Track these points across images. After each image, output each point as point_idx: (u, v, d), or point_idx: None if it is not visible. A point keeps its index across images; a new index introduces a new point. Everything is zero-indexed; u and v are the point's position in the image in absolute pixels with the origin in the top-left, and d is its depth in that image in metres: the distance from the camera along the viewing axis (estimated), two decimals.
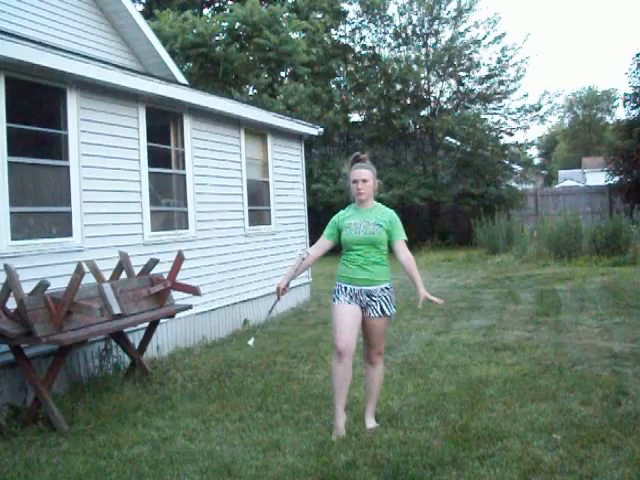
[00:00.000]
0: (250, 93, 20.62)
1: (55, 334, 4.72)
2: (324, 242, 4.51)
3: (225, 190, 8.48)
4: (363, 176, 4.40)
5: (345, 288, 4.36)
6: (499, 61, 22.90)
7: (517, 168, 24.28)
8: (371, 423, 4.45)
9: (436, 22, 23.06)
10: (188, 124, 7.73)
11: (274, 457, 3.94)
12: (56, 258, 5.63)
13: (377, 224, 4.36)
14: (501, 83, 23.14)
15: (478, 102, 23.45)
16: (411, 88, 23.17)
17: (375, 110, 23.75)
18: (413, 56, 23.00)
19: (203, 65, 18.96)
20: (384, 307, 4.34)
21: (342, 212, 4.56)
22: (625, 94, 24.71)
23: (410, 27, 23.28)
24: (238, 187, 8.82)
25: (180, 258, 6.24)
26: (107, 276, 5.84)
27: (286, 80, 21.44)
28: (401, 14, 23.30)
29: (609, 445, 3.86)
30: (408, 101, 23.54)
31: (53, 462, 4.04)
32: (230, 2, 23.11)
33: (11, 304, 4.77)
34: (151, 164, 7.01)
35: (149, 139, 6.99)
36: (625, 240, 14.74)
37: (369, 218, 4.38)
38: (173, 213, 7.71)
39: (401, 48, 23.61)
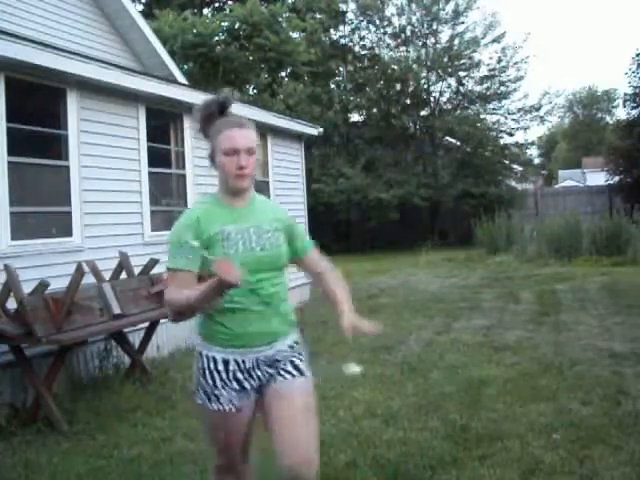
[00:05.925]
0: (250, 93, 20.60)
1: (55, 334, 4.72)
2: (189, 276, 2.33)
3: None
4: (249, 143, 2.41)
5: (226, 364, 2.41)
6: (499, 61, 22.91)
7: (517, 168, 24.28)
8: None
9: (435, 22, 23.07)
10: (188, 124, 7.73)
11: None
12: (56, 258, 5.63)
13: (276, 228, 2.47)
14: (501, 83, 23.15)
15: (478, 102, 23.45)
16: (411, 88, 23.19)
17: (375, 110, 23.77)
18: (413, 56, 23.02)
19: (203, 65, 18.93)
20: (297, 363, 2.52)
21: (197, 211, 2.48)
22: (625, 94, 24.73)
23: (409, 27, 23.29)
24: None
25: None
26: (107, 276, 5.84)
27: (286, 80, 21.42)
28: (400, 15, 23.33)
29: (609, 445, 3.85)
30: (408, 101, 23.56)
31: (53, 462, 4.03)
32: (230, 2, 23.09)
33: (11, 304, 4.77)
34: (151, 164, 7.01)
35: (149, 139, 6.99)
36: (625, 240, 14.70)
37: (261, 219, 2.46)
38: (173, 213, 7.70)
39: (401, 48, 23.63)
